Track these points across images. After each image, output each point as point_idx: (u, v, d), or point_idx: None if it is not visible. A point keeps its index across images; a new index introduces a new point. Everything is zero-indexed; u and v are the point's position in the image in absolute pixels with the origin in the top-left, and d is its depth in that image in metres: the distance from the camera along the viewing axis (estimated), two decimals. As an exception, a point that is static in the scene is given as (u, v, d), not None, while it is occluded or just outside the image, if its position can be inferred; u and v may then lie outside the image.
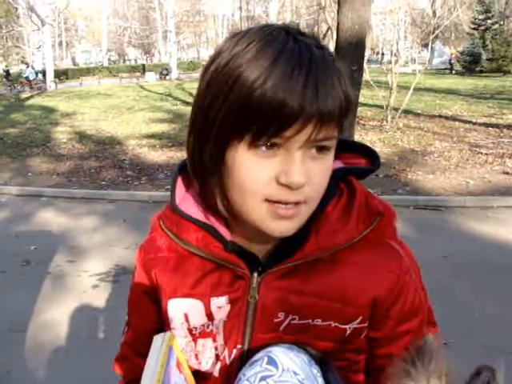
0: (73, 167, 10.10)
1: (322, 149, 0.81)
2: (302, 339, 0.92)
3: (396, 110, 12.28)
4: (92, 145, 12.22)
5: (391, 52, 14.23)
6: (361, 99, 13.81)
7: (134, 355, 1.10)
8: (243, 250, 0.93)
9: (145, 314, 1.07)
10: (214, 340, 0.97)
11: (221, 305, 0.95)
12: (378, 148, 10.15)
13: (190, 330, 0.99)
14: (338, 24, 8.15)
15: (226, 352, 0.96)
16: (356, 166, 0.97)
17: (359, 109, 12.88)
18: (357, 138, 10.17)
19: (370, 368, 0.99)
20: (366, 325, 0.93)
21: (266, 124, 0.75)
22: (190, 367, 0.99)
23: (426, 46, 30.85)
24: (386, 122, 12.22)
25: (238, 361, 0.95)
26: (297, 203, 0.81)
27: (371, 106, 14.08)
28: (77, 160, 10.69)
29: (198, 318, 0.97)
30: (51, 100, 22.28)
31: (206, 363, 0.99)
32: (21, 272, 5.21)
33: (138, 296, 1.06)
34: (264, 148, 0.78)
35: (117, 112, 17.84)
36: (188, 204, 0.95)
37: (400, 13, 22.16)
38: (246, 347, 0.95)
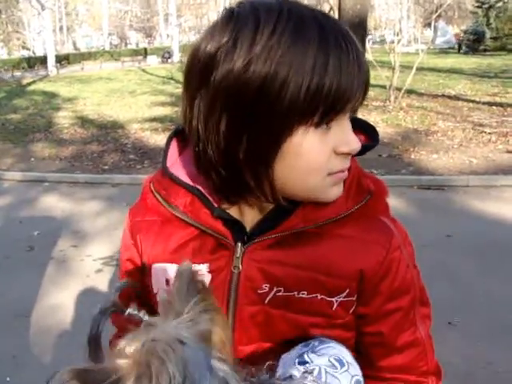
0: (75, 152, 10.09)
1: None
2: (290, 313, 0.92)
3: (399, 89, 12.19)
4: (94, 129, 12.20)
5: (394, 31, 14.12)
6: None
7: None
8: (231, 219, 0.92)
9: (131, 277, 1.05)
10: None
11: (201, 273, 0.93)
12: (381, 128, 10.09)
13: None
14: (340, 3, 8.11)
15: None
16: None
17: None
18: (359, 117, 10.10)
19: (359, 346, 0.98)
20: (353, 299, 0.93)
21: (333, 106, 0.79)
22: None
23: (429, 25, 30.65)
24: (389, 102, 12.14)
25: None
26: None
27: (374, 86, 13.91)
28: (79, 145, 10.68)
29: None
30: (53, 85, 22.21)
31: None
32: (25, 257, 5.23)
33: (125, 259, 1.06)
34: (325, 125, 0.81)
35: (119, 96, 17.76)
36: (179, 168, 0.95)
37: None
38: (230, 319, 0.93)
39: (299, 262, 0.90)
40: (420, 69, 14.52)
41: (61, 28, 56.51)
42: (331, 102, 0.78)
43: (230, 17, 0.81)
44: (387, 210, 0.97)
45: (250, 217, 0.93)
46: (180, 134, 0.97)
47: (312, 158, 0.82)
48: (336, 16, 8.23)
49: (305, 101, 0.77)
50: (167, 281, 0.96)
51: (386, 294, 0.93)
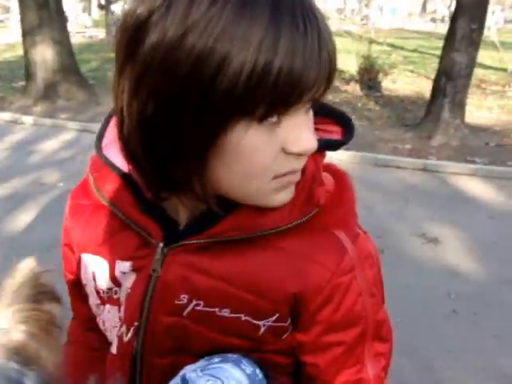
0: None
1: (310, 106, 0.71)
2: (210, 331, 0.80)
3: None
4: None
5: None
6: (487, 62, 13.02)
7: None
8: (163, 214, 0.80)
9: (68, 265, 0.98)
10: (120, 310, 0.87)
11: (125, 270, 0.83)
12: (494, 115, 9.50)
13: (97, 292, 0.89)
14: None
15: (124, 328, 0.85)
16: (325, 136, 0.82)
17: (482, 72, 12.11)
18: (474, 102, 9.57)
19: (300, 373, 0.85)
20: (285, 324, 0.79)
21: (281, 96, 0.63)
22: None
23: None
24: (509, 87, 11.37)
25: (134, 341, 0.84)
26: None
27: (497, 69, 13.14)
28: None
29: (104, 280, 0.87)
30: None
31: (110, 332, 0.90)
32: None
33: (63, 244, 0.98)
34: (273, 120, 0.66)
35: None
36: (114, 149, 0.81)
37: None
38: (142, 327, 0.83)
39: (225, 275, 0.78)
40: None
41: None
42: (280, 91, 0.62)
43: None
44: (348, 222, 0.81)
45: (185, 214, 0.81)
46: None
47: (254, 158, 0.68)
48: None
49: (247, 88, 0.61)
50: (93, 274, 0.88)
51: (325, 324, 0.79)
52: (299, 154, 0.70)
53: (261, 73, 0.61)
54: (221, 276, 0.78)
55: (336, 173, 0.85)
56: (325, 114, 0.82)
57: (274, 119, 0.66)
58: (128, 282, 0.84)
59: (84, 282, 0.91)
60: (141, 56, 0.64)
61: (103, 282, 0.88)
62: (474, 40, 7.57)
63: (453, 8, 8.15)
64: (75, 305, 1.04)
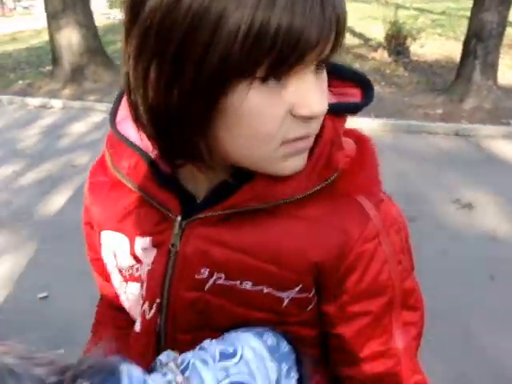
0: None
1: (322, 65, 0.68)
2: (233, 305, 0.77)
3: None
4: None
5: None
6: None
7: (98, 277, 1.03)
8: (180, 188, 0.78)
9: (92, 244, 0.97)
10: (142, 287, 0.85)
11: (145, 246, 0.82)
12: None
13: (119, 270, 0.88)
14: None
15: (146, 305, 0.83)
16: (344, 98, 0.78)
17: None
18: (506, 62, 9.30)
19: (327, 345, 0.82)
20: (309, 295, 0.76)
21: (281, 54, 0.60)
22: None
23: None
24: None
25: (157, 318, 0.82)
26: None
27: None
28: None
29: (125, 258, 0.85)
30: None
31: (135, 310, 0.88)
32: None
33: (84, 222, 0.97)
34: (276, 81, 0.63)
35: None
36: (128, 124, 0.79)
37: None
38: (164, 303, 0.81)
39: (245, 246, 0.75)
40: None
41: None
42: (279, 51, 0.59)
43: None
44: (371, 188, 0.78)
45: (204, 186, 0.79)
46: None
47: (258, 122, 0.65)
48: None
49: (244, 48, 0.59)
50: (114, 252, 0.87)
51: (351, 293, 0.76)
52: (308, 118, 0.67)
53: (258, 31, 0.58)
54: (240, 248, 0.76)
55: (359, 138, 0.81)
56: (343, 76, 0.79)
57: (278, 80, 0.63)
58: (149, 258, 0.83)
59: (105, 260, 0.90)
60: (141, 20, 0.63)
61: (124, 259, 0.86)
62: (506, -4, 7.36)
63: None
64: (101, 284, 1.03)
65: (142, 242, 0.82)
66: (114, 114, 0.84)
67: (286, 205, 0.73)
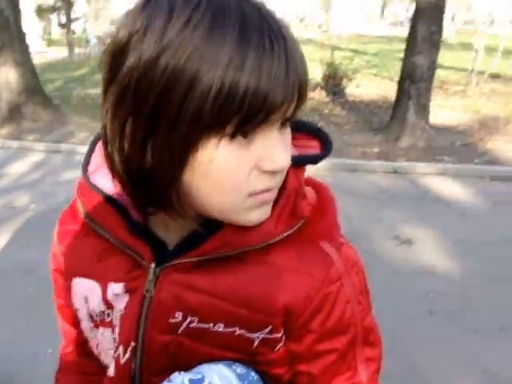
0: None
1: (287, 123, 0.73)
2: (205, 346, 0.82)
3: (483, 74, 11.60)
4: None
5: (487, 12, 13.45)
6: (448, 63, 13.24)
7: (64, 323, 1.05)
8: (152, 235, 0.82)
9: (60, 291, 0.99)
10: (113, 332, 0.88)
11: (117, 292, 0.85)
12: (458, 114, 9.69)
13: (90, 316, 0.90)
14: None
15: (121, 349, 0.86)
16: (305, 152, 0.85)
17: (444, 73, 12.34)
18: (437, 103, 9.73)
19: (295, 382, 0.87)
20: (278, 335, 0.81)
21: (248, 114, 0.65)
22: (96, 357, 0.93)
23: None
24: (470, 86, 11.58)
25: (132, 361, 0.86)
26: None
27: (458, 69, 13.40)
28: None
29: (97, 304, 0.88)
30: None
31: (106, 355, 0.91)
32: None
33: (52, 269, 0.99)
34: (243, 137, 0.68)
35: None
36: (101, 174, 0.83)
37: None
38: (139, 347, 0.84)
39: (217, 291, 0.79)
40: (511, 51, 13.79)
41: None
42: (246, 110, 0.64)
43: (148, 0, 0.68)
44: (332, 233, 0.84)
45: (174, 234, 0.83)
46: None
47: (226, 176, 0.69)
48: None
49: (215, 107, 0.63)
50: (85, 298, 0.89)
51: (317, 332, 0.81)
52: (273, 172, 0.71)
53: (227, 92, 0.63)
54: (213, 293, 0.80)
55: (317, 186, 0.87)
56: (303, 129, 0.85)
57: (245, 137, 0.68)
58: (121, 303, 0.85)
59: (76, 306, 0.92)
60: (120, 78, 0.67)
61: (96, 305, 0.89)
62: (434, 42, 7.74)
63: (411, 12, 8.32)
64: (66, 330, 1.04)
65: (114, 289, 0.85)
66: (86, 163, 0.86)
67: (254, 251, 0.78)
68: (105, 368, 0.93)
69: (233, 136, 0.67)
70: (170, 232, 0.82)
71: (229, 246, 0.77)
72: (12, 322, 3.74)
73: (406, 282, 4.10)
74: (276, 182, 0.74)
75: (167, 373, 0.83)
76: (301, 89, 0.68)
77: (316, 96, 11.03)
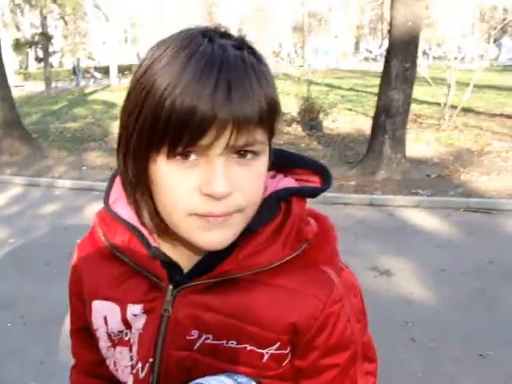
0: (127, 162, 10.21)
1: (248, 154, 0.77)
2: (218, 361, 0.88)
3: (455, 107, 11.91)
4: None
5: (454, 48, 13.83)
6: (421, 97, 13.58)
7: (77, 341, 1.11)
8: (167, 260, 0.89)
9: (77, 314, 1.06)
10: (131, 350, 0.95)
11: (136, 313, 0.92)
12: (433, 147, 9.93)
13: (108, 335, 0.97)
14: (391, 20, 8.02)
15: (139, 365, 0.94)
16: (306, 185, 0.93)
17: (417, 107, 12.63)
18: (412, 136, 9.97)
19: None
20: (286, 352, 0.89)
21: (179, 134, 0.72)
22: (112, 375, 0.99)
23: (494, 41, 29.85)
24: (444, 120, 11.86)
25: (150, 376, 0.92)
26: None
27: (431, 103, 13.73)
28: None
29: (116, 324, 0.95)
30: (113, 95, 22.68)
31: (123, 372, 0.97)
32: (65, 265, 5.23)
33: (70, 294, 1.06)
34: (182, 159, 0.75)
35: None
36: (121, 204, 0.91)
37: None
38: (157, 363, 0.91)
39: (230, 310, 0.87)
40: (481, 86, 14.19)
41: (126, 39, 58.01)
42: (175, 132, 0.71)
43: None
44: (333, 258, 0.92)
45: (188, 258, 0.90)
46: None
47: (168, 193, 0.77)
48: (387, 33, 8.13)
49: (152, 126, 0.73)
50: (105, 318, 0.96)
51: (321, 349, 0.89)
52: (213, 197, 0.75)
53: (161, 111, 0.72)
54: (226, 312, 0.87)
55: (317, 216, 0.95)
56: (308, 166, 0.94)
57: (187, 159, 0.75)
58: (139, 323, 0.92)
59: (95, 326, 0.98)
60: (122, 122, 0.81)
61: (114, 325, 0.95)
62: (409, 78, 7.97)
63: (384, 47, 8.54)
64: (79, 351, 1.10)
65: (133, 309, 0.92)
66: (107, 194, 0.94)
67: (264, 273, 0.85)
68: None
69: (168, 156, 0.75)
70: (183, 252, 0.90)
71: (240, 268, 0.85)
72: (-6, 356, 3.73)
73: (386, 311, 4.17)
74: (220, 209, 0.77)
75: None
76: (239, 120, 0.72)
77: (292, 130, 11.22)
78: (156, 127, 0.73)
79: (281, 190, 0.88)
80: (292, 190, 0.89)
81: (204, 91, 0.70)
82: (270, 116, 0.76)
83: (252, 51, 0.78)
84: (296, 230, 0.87)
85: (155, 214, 0.83)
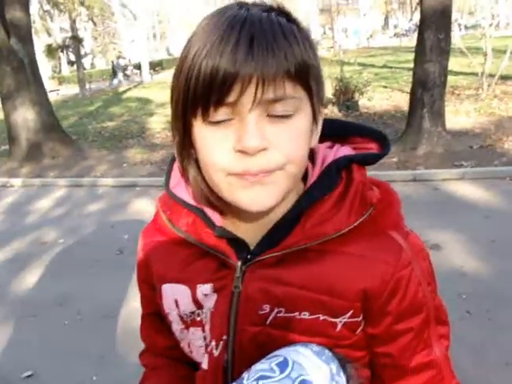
0: (166, 156, 10.30)
1: (282, 111, 0.78)
2: (292, 334, 0.88)
3: (493, 76, 11.63)
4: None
5: (487, 15, 13.51)
6: (456, 68, 13.30)
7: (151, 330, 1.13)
8: (233, 237, 0.90)
9: (147, 300, 1.08)
10: (204, 330, 0.96)
11: (206, 292, 0.93)
12: (472, 118, 9.73)
13: (181, 317, 0.98)
14: (422, -9, 7.86)
15: (213, 343, 0.94)
16: (364, 151, 0.93)
17: (454, 78, 12.38)
18: (451, 109, 9.79)
19: (372, 365, 0.94)
20: (359, 319, 0.88)
21: (207, 94, 0.75)
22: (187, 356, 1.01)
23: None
24: (482, 90, 11.62)
25: (224, 353, 0.93)
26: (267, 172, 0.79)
27: (467, 74, 13.45)
28: (170, 149, 10.90)
29: (187, 305, 0.96)
30: (147, 91, 22.90)
31: (197, 353, 0.98)
32: (114, 260, 5.37)
33: (140, 281, 1.08)
34: (217, 119, 0.77)
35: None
36: (181, 188, 0.93)
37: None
38: (231, 339, 0.92)
39: (300, 282, 0.87)
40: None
41: (154, 35, 58.41)
42: (207, 90, 0.74)
43: None
44: (399, 223, 0.91)
45: (253, 233, 0.90)
46: None
47: (208, 153, 0.80)
48: (416, 5, 7.98)
49: (187, 90, 0.77)
50: (176, 301, 0.97)
51: (394, 314, 0.88)
52: (246, 153, 0.77)
53: (196, 75, 0.75)
54: (297, 284, 0.87)
55: (379, 183, 0.94)
56: (365, 133, 0.94)
57: (217, 119, 0.77)
58: (210, 302, 0.93)
59: (167, 310, 0.99)
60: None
61: (186, 307, 0.96)
62: (443, 49, 7.81)
63: (414, 21, 8.39)
64: (150, 334, 1.12)
65: (203, 289, 0.93)
66: (167, 179, 0.95)
67: (331, 242, 0.85)
68: (194, 365, 1.01)
69: (204, 117, 0.78)
70: (247, 228, 0.91)
71: (308, 238, 0.85)
72: (55, 354, 3.82)
73: (439, 285, 4.10)
74: (256, 167, 0.78)
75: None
76: (264, 74, 0.73)
77: (328, 112, 11.13)
78: (188, 90, 0.77)
79: (340, 159, 0.88)
80: (351, 158, 0.89)
81: (226, 50, 0.73)
82: (299, 71, 0.76)
83: (284, 14, 0.79)
84: (360, 196, 0.86)
85: (201, 179, 0.87)
